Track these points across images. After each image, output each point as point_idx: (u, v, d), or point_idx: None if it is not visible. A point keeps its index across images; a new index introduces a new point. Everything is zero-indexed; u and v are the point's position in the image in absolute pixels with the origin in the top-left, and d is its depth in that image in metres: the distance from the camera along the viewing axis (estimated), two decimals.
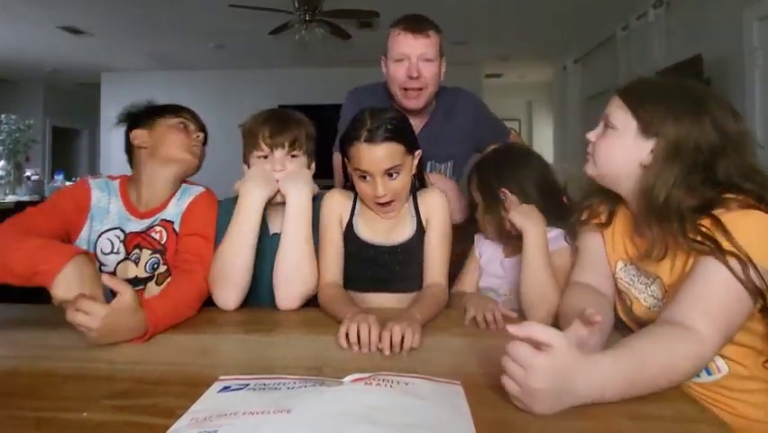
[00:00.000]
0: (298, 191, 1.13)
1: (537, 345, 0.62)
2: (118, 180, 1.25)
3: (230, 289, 1.08)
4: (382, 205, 1.12)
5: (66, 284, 0.88)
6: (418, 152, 1.16)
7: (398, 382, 0.68)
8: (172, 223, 1.19)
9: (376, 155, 1.05)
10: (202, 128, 1.31)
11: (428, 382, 0.70)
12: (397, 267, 1.16)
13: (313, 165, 1.22)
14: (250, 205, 1.09)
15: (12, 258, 0.91)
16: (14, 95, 7.17)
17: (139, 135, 1.22)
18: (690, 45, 3.40)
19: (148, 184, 1.21)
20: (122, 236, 1.17)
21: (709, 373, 0.87)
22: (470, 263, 1.28)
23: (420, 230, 1.16)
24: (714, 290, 0.76)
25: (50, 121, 7.49)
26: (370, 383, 0.67)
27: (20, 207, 3.72)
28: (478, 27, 4.75)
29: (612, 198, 0.99)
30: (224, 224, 1.13)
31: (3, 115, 4.79)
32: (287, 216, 1.12)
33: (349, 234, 1.18)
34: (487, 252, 1.25)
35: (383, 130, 1.05)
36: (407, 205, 1.19)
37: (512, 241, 1.15)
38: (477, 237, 1.28)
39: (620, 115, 0.89)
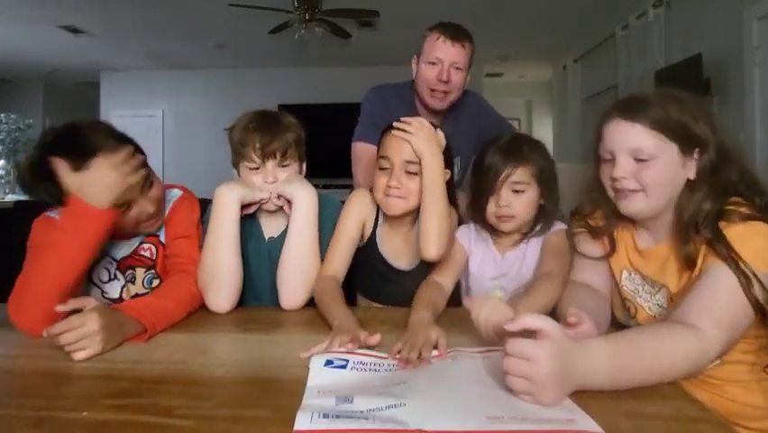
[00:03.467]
0: (309, 191, 1.12)
1: (532, 337, 0.65)
2: None
3: (221, 291, 1.06)
4: (388, 196, 1.09)
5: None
6: (446, 172, 1.11)
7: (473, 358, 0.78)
8: (158, 236, 1.15)
9: (401, 145, 1.07)
10: (145, 181, 1.04)
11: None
12: (409, 286, 1.14)
13: (304, 168, 1.20)
14: (222, 207, 1.07)
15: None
16: (14, 94, 7.17)
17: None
18: (690, 44, 3.40)
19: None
20: (115, 264, 1.14)
21: None
22: (454, 256, 1.16)
23: None
24: (721, 294, 0.77)
25: (49, 120, 7.47)
26: (455, 357, 0.79)
27: (19, 206, 3.73)
28: (477, 26, 4.69)
29: (610, 209, 0.98)
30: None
31: (2, 115, 4.80)
32: (297, 214, 1.10)
33: (371, 246, 1.18)
34: (477, 252, 1.19)
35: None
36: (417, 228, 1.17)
37: (504, 234, 1.16)
38: (464, 234, 1.21)
39: (652, 143, 0.86)
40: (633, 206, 0.90)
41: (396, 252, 1.18)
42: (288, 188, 1.11)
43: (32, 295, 0.92)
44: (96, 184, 0.94)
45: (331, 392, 0.65)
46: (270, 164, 1.11)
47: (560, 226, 1.13)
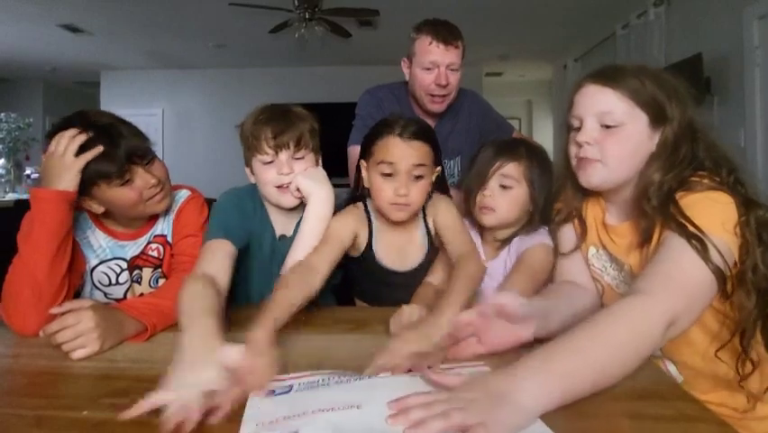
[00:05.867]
0: (326, 191, 1.07)
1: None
2: (85, 213, 1.10)
3: None
4: (397, 204, 1.03)
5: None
6: (438, 169, 1.11)
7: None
8: (165, 236, 1.15)
9: (407, 150, 1.01)
10: (146, 155, 1.04)
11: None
12: (411, 286, 1.12)
13: (320, 161, 1.16)
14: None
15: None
16: (14, 93, 7.17)
17: (82, 201, 1.02)
18: (691, 44, 3.40)
19: (120, 222, 1.12)
20: (124, 265, 1.13)
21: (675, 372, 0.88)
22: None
23: (432, 249, 1.14)
24: (673, 259, 0.74)
25: (49, 119, 7.47)
26: (414, 376, 0.68)
27: (20, 205, 3.74)
28: (478, 25, 4.74)
29: (580, 189, 0.96)
30: (230, 208, 1.10)
31: (2, 114, 4.80)
32: (309, 216, 1.06)
33: (369, 258, 1.13)
34: None
35: (417, 128, 1.04)
36: (419, 225, 1.14)
37: (489, 236, 1.14)
38: None
39: (622, 109, 0.83)
40: (592, 176, 0.87)
41: (394, 256, 1.14)
42: (305, 184, 1.06)
43: (8, 294, 0.92)
44: (47, 172, 0.95)
45: (272, 424, 0.57)
46: (284, 156, 1.07)
47: (542, 238, 1.07)
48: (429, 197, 1.10)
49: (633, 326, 0.66)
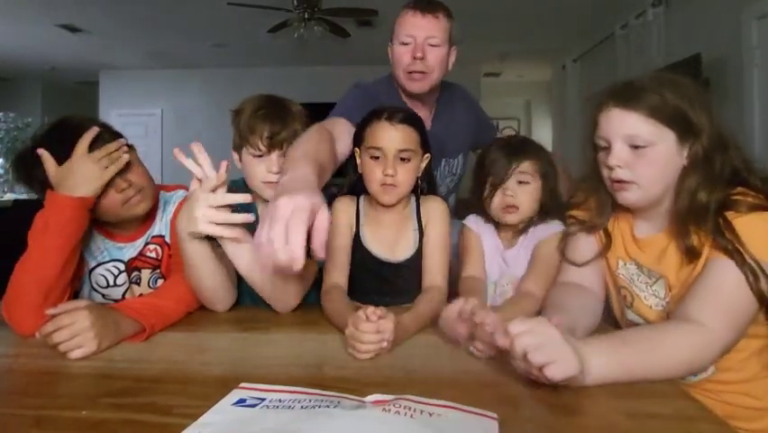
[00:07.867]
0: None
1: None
2: None
3: (212, 302, 1.05)
4: (385, 186, 1.09)
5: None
6: (427, 156, 1.15)
7: (422, 412, 0.60)
8: (163, 237, 1.15)
9: (393, 134, 1.08)
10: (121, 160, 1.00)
11: (457, 413, 0.61)
12: (400, 282, 1.16)
13: None
14: (180, 235, 0.96)
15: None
16: (13, 93, 7.16)
17: None
18: (689, 44, 3.41)
19: (114, 224, 1.11)
20: (122, 267, 1.13)
21: (694, 375, 0.88)
22: (474, 245, 1.20)
23: (422, 244, 1.15)
24: (725, 289, 0.78)
25: (48, 119, 7.41)
26: (389, 410, 0.60)
27: (18, 205, 3.73)
28: (476, 25, 4.74)
29: (606, 197, 0.96)
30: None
31: (1, 114, 4.79)
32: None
33: (357, 244, 1.16)
34: (485, 239, 1.22)
35: (403, 114, 1.10)
36: (410, 217, 1.17)
37: (506, 228, 1.17)
38: (472, 222, 1.23)
39: (648, 130, 0.84)
40: (629, 197, 0.88)
41: (385, 245, 1.16)
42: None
43: (14, 293, 0.92)
44: (73, 175, 0.94)
45: None
46: (275, 154, 1.09)
47: (555, 228, 1.11)
48: (420, 188, 1.17)
49: (692, 349, 0.75)
